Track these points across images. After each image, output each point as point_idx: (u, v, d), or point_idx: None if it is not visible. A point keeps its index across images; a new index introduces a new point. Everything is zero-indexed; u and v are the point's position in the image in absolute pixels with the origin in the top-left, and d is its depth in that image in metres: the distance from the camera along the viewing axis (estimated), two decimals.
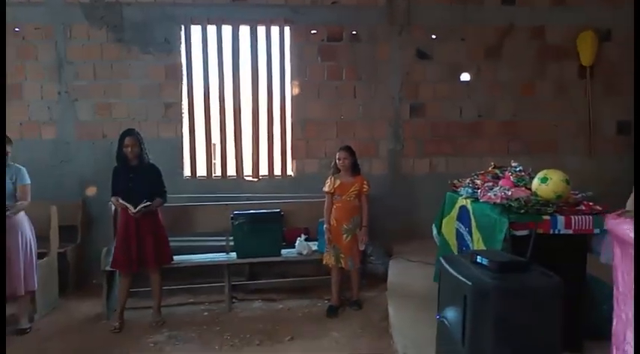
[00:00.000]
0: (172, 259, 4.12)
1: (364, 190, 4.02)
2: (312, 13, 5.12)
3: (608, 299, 2.05)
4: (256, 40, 5.15)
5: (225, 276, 4.33)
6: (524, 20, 5.27)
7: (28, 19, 4.95)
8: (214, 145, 5.36)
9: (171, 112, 5.12)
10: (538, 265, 2.27)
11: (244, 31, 5.15)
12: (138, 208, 3.72)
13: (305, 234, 4.57)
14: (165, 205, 4.06)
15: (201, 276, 4.72)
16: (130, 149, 3.82)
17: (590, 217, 2.71)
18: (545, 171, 2.92)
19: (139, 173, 3.86)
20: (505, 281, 2.12)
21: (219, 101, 5.19)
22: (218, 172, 5.32)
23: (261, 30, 5.15)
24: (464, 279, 2.16)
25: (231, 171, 5.30)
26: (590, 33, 5.21)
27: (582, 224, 2.70)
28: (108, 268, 4.05)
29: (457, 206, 3.53)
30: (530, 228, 2.65)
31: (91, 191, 3.75)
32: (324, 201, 4.10)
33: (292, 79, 5.20)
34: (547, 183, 2.84)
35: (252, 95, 5.21)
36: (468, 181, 3.51)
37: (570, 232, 2.70)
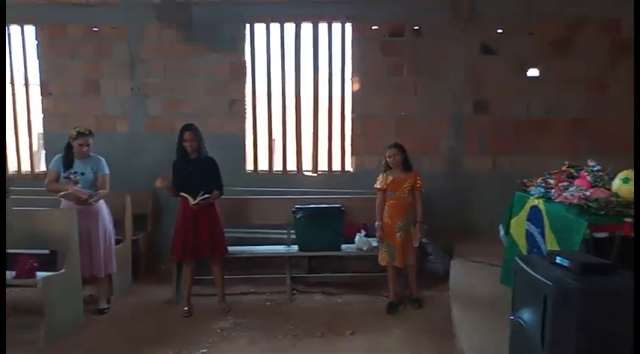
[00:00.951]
0: (228, 252, 4.21)
1: (418, 185, 3.96)
2: (373, 9, 5.11)
3: None
4: (318, 37, 5.22)
5: (286, 268, 4.44)
6: (596, 13, 5.00)
7: (105, 19, 5.26)
8: (274, 140, 5.49)
9: (235, 108, 5.30)
10: (623, 269, 2.18)
11: (306, 28, 5.23)
12: (197, 200, 3.84)
13: (364, 230, 4.60)
14: (228, 196, 4.18)
15: (260, 267, 4.88)
16: (189, 143, 3.93)
17: None
18: (626, 171, 2.81)
19: (198, 166, 3.98)
20: (589, 283, 2.05)
21: (281, 97, 5.31)
22: (278, 167, 5.44)
23: (322, 27, 5.21)
24: (544, 279, 2.11)
25: (291, 166, 5.40)
26: None
27: None
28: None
29: (527, 206, 3.44)
30: (611, 230, 2.56)
31: (160, 183, 3.91)
32: None
33: (353, 75, 5.22)
34: (629, 184, 2.72)
35: (313, 91, 5.29)
36: (540, 180, 3.40)
37: None
